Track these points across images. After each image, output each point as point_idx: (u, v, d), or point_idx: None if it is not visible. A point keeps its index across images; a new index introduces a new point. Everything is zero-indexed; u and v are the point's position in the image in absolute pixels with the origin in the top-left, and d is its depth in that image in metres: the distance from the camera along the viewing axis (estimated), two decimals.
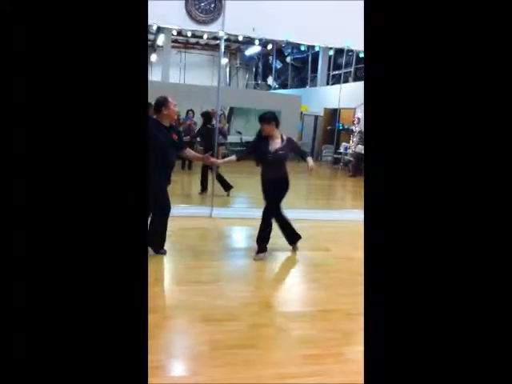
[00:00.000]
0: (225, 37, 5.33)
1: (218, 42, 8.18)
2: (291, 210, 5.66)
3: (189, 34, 5.59)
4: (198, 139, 7.32)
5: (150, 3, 4.66)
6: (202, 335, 2.60)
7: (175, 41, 16.43)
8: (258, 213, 5.46)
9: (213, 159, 4.34)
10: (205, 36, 5.71)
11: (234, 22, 5.10)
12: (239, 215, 5.57)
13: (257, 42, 6.29)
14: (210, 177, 6.25)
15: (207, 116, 6.72)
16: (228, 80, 20.38)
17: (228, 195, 6.63)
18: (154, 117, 3.82)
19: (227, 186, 6.65)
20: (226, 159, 4.46)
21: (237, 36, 5.82)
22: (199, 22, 5.02)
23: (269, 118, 3.98)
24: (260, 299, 3.21)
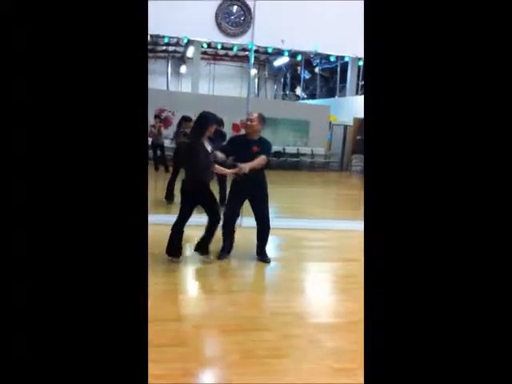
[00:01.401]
0: (254, 48, 5.40)
1: (246, 53, 8.32)
2: (319, 220, 5.65)
3: (218, 46, 5.67)
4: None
5: (180, 16, 4.81)
6: (232, 344, 2.60)
7: (204, 53, 16.72)
8: (289, 223, 5.45)
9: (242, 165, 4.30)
10: (235, 48, 5.77)
11: (263, 33, 5.15)
12: (271, 225, 5.56)
13: (286, 53, 6.33)
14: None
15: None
16: (257, 91, 20.55)
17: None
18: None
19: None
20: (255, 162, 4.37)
21: (266, 47, 5.87)
22: (229, 35, 5.10)
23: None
24: (290, 309, 3.20)
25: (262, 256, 4.19)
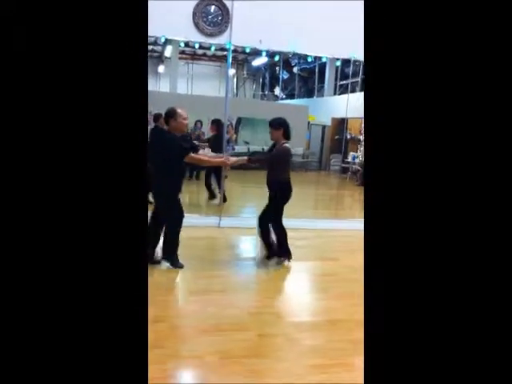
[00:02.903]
0: (232, 48, 5.40)
1: (225, 53, 8.27)
2: (298, 220, 5.68)
3: (196, 45, 5.65)
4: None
5: (158, 15, 4.77)
6: (211, 345, 2.60)
7: (182, 52, 16.62)
8: None
9: (232, 159, 4.34)
10: (212, 48, 5.76)
11: (240, 33, 5.16)
12: (247, 225, 5.57)
13: (264, 53, 6.35)
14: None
15: (219, 124, 6.57)
16: (235, 90, 20.53)
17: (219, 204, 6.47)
18: (165, 127, 3.88)
19: (212, 195, 6.67)
20: (239, 158, 4.44)
21: (244, 47, 5.88)
22: (207, 34, 5.08)
23: (276, 124, 4.03)
24: (269, 309, 3.21)
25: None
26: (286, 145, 4.04)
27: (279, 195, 4.07)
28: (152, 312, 2.99)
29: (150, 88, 17.70)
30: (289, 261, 4.21)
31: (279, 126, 4.03)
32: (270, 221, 4.14)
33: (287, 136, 4.06)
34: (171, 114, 3.79)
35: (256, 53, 14.58)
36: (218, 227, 5.42)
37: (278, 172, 4.06)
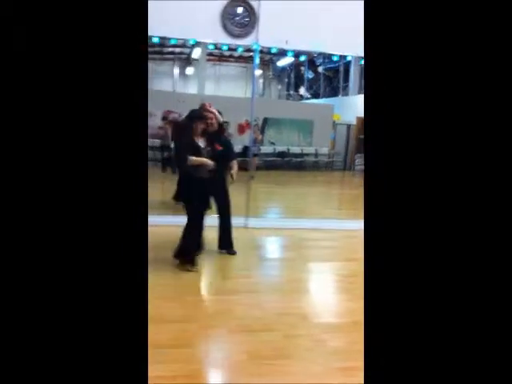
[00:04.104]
0: (259, 49, 5.43)
1: (251, 53, 8.33)
2: (323, 220, 5.67)
3: (224, 47, 5.71)
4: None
5: (186, 18, 4.84)
6: (239, 345, 2.63)
7: (210, 54, 16.76)
8: (293, 223, 5.48)
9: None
10: (239, 49, 5.81)
11: (267, 34, 5.18)
12: (274, 225, 5.60)
13: (290, 53, 6.36)
14: None
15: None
16: (261, 91, 20.57)
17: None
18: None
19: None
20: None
21: (270, 48, 5.90)
22: (234, 36, 5.13)
23: None
24: (295, 310, 3.22)
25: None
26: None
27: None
28: (180, 312, 3.06)
29: (178, 90, 17.99)
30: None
31: None
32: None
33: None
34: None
35: (282, 53, 14.58)
36: (245, 228, 5.46)
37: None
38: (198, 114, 3.91)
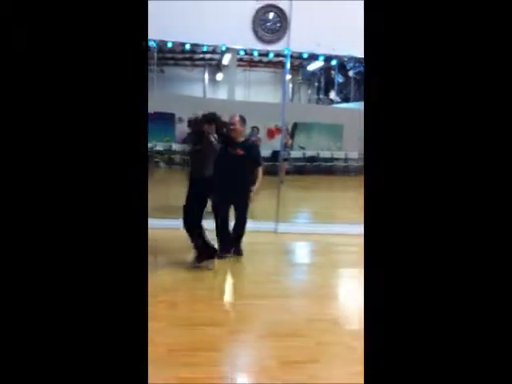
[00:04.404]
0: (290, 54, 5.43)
1: (281, 58, 8.32)
2: (354, 225, 5.58)
3: (255, 53, 5.75)
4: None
5: (217, 24, 4.90)
6: (268, 350, 2.63)
7: (240, 59, 16.87)
8: (323, 228, 5.44)
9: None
10: (270, 54, 5.82)
11: (298, 39, 5.18)
12: (304, 230, 5.57)
13: (321, 57, 6.33)
14: None
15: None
16: (291, 95, 20.55)
17: None
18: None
19: None
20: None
21: (301, 53, 5.89)
22: (265, 42, 5.15)
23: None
24: (325, 316, 3.19)
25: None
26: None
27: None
28: (209, 315, 3.08)
29: (208, 96, 18.18)
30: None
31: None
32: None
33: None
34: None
35: (312, 57, 14.53)
36: (275, 232, 5.45)
37: None
38: (211, 118, 3.95)
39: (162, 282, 3.61)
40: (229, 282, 3.94)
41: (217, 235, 4.31)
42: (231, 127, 4.11)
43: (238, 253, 4.36)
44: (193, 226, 3.91)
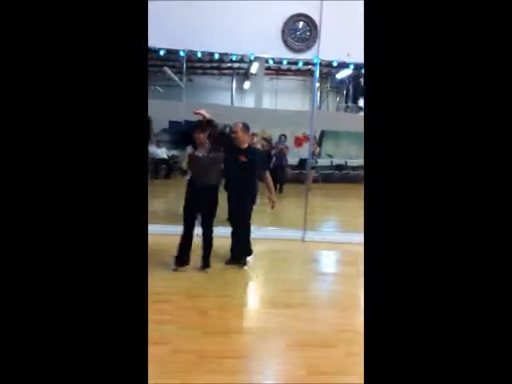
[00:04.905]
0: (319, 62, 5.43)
1: (309, 66, 8.32)
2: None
3: (284, 62, 5.78)
4: None
5: (247, 34, 4.95)
6: (297, 359, 2.61)
7: (268, 68, 16.95)
8: (350, 237, 5.38)
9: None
10: (300, 63, 5.84)
11: (328, 47, 5.18)
12: (331, 239, 5.52)
13: (351, 66, 6.30)
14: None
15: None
16: (319, 103, 20.49)
17: None
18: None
19: None
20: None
21: (331, 61, 5.88)
22: (295, 51, 5.17)
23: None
24: (354, 326, 3.14)
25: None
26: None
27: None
28: (237, 323, 3.09)
29: (236, 104, 18.33)
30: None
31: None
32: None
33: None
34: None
35: (341, 66, 14.46)
36: (302, 241, 5.43)
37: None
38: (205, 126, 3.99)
39: (189, 288, 3.65)
40: (257, 290, 3.94)
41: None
42: (233, 135, 4.14)
43: (238, 262, 4.29)
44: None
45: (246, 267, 4.23)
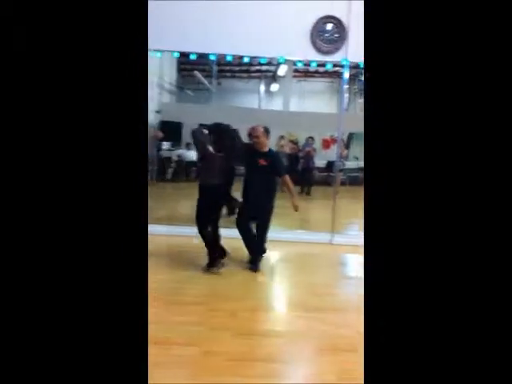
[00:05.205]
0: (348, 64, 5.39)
1: (337, 68, 8.25)
2: None
3: (313, 64, 5.76)
4: None
5: (275, 36, 4.95)
6: (327, 364, 2.59)
7: (296, 70, 16.91)
8: None
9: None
10: (328, 65, 5.80)
11: (357, 49, 5.13)
12: (359, 242, 5.44)
13: None
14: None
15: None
16: (346, 106, 20.30)
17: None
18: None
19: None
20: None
21: (359, 63, 5.83)
22: (323, 53, 5.15)
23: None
24: None
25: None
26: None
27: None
28: (266, 326, 3.09)
29: (263, 106, 18.36)
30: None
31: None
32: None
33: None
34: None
35: None
36: (331, 244, 5.39)
37: None
38: (212, 129, 4.05)
39: (220, 290, 3.68)
40: (286, 293, 3.93)
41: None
42: (255, 140, 4.16)
43: (256, 269, 4.23)
44: (201, 230, 4.05)
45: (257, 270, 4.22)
